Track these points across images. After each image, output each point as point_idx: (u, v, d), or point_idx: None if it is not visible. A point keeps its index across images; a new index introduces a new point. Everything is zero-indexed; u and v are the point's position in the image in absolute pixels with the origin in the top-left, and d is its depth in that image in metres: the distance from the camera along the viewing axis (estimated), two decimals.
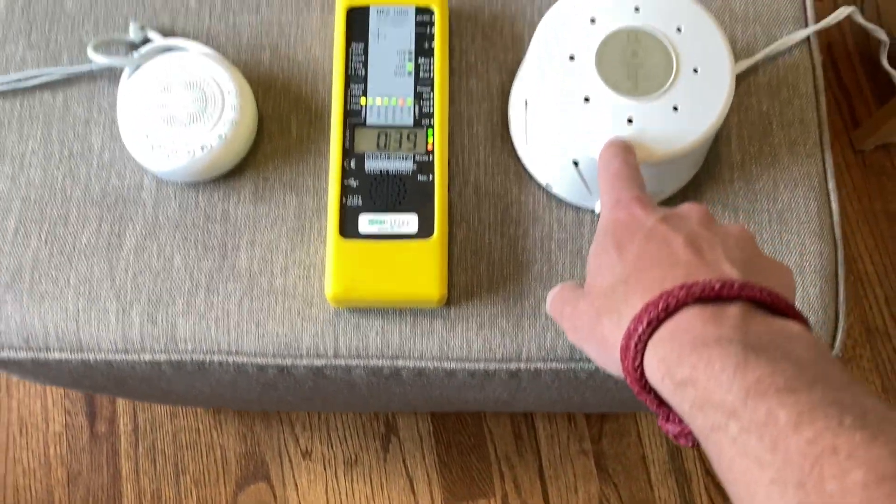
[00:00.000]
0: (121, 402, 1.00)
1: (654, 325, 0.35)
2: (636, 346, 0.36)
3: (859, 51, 1.13)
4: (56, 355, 0.53)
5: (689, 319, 0.35)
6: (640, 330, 0.35)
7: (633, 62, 0.49)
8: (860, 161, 1.10)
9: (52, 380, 0.59)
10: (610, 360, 0.39)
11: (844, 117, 1.12)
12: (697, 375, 0.33)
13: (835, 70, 1.12)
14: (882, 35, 0.68)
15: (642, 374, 0.36)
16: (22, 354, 0.53)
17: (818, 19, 0.61)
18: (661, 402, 0.37)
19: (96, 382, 0.59)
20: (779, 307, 0.36)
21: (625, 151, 0.46)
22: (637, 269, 0.38)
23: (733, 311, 0.35)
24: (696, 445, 0.35)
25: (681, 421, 0.36)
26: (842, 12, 0.62)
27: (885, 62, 0.70)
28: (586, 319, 0.41)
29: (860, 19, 0.64)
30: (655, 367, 0.35)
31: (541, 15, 0.58)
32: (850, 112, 1.12)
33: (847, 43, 1.13)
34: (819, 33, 0.61)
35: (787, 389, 0.30)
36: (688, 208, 0.42)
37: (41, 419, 1.00)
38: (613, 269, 0.39)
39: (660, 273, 0.37)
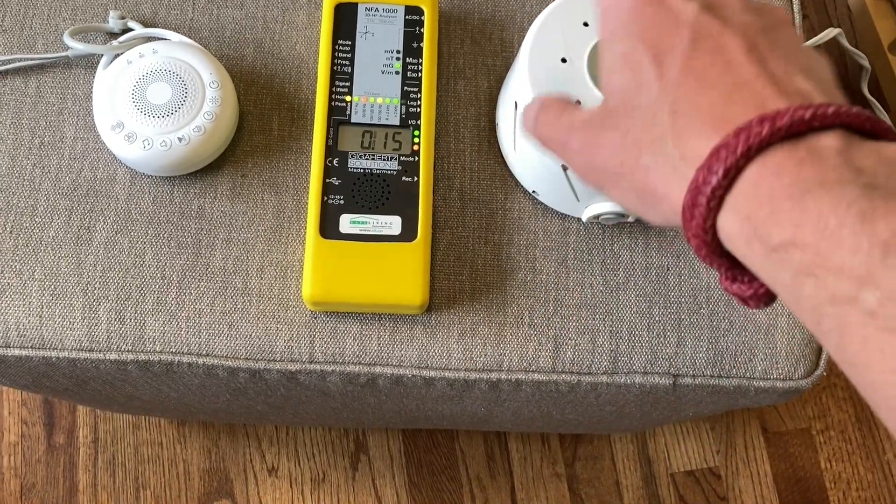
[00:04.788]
0: (81, 412, 0.97)
1: (733, 174, 0.27)
2: (709, 202, 0.27)
3: (837, 76, 1.14)
4: (16, 352, 0.50)
5: (777, 163, 0.27)
6: (714, 182, 0.27)
7: None
8: None
9: (10, 379, 0.56)
10: (656, 213, 0.31)
11: None
12: (804, 235, 0.25)
13: None
14: (865, 62, 0.68)
15: (715, 236, 0.28)
16: None
17: (805, 36, 0.61)
18: (732, 265, 0.29)
19: (57, 384, 0.56)
20: (877, 130, 0.28)
21: None
22: (687, 89, 0.29)
23: (830, 143, 0.27)
24: (768, 305, 0.29)
25: (752, 280, 0.29)
26: (828, 33, 0.62)
27: (865, 90, 0.70)
28: (616, 158, 0.31)
29: (845, 43, 0.65)
30: (738, 229, 0.27)
31: (530, 22, 0.58)
32: None
33: None
34: None
35: None
36: None
37: None
38: (649, 88, 0.30)
39: (720, 96, 0.29)
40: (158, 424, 0.97)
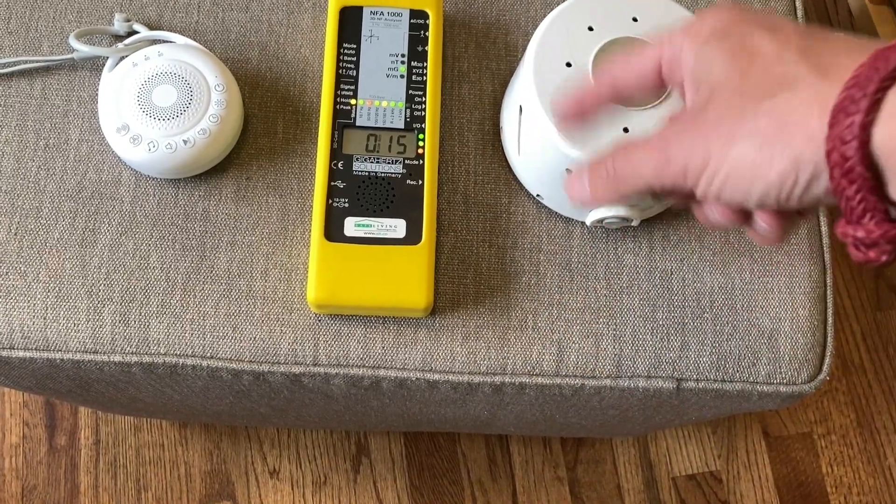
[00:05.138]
0: (83, 414, 0.97)
1: (889, 82, 0.27)
2: (866, 100, 0.27)
3: None
4: (20, 353, 0.50)
5: None
6: (874, 85, 0.27)
7: None
8: None
9: (13, 381, 0.56)
10: (786, 152, 0.30)
11: None
12: None
13: None
14: None
15: (863, 145, 0.28)
16: None
17: None
18: (866, 195, 0.29)
19: (60, 385, 0.57)
20: None
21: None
22: (813, 41, 0.31)
23: None
24: (890, 262, 0.29)
25: (884, 221, 0.29)
26: None
27: None
28: (723, 123, 0.32)
29: None
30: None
31: (535, 26, 0.58)
32: None
33: None
34: None
35: None
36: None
37: None
38: (768, 46, 0.32)
39: (854, 43, 0.30)
40: (160, 426, 0.97)
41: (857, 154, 0.28)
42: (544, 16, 0.58)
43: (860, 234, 0.29)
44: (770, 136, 0.30)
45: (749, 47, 0.32)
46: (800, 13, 0.61)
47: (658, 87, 0.38)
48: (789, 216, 0.37)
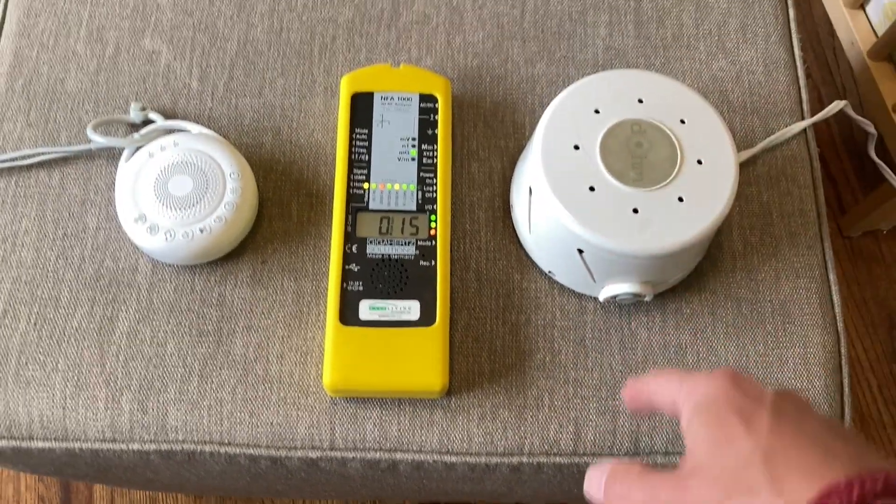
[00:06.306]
0: (98, 489, 0.96)
1: None
2: None
3: (843, 139, 1.15)
4: (40, 444, 0.51)
5: None
6: None
7: (637, 152, 0.49)
8: (848, 247, 1.11)
9: (32, 468, 0.56)
10: None
11: (831, 203, 1.13)
12: None
13: (821, 158, 1.14)
14: (871, 128, 0.69)
15: None
16: (2, 443, 0.51)
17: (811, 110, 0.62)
18: None
19: (79, 471, 0.57)
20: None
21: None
22: (779, 443, 0.33)
23: None
24: None
25: None
26: (836, 106, 0.63)
27: (872, 154, 0.71)
28: (704, 501, 0.34)
29: (851, 113, 0.66)
30: None
31: (542, 104, 0.59)
32: (837, 198, 1.13)
33: (832, 131, 1.16)
34: None
35: None
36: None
37: (13, 503, 0.96)
38: (739, 441, 0.34)
39: (814, 454, 0.32)
40: (175, 498, 0.96)
41: None
42: (550, 94, 0.59)
43: None
44: None
45: (727, 435, 0.34)
46: (800, 72, 0.62)
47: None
48: None
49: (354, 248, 0.52)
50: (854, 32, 0.99)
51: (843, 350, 0.55)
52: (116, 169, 0.55)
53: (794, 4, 0.66)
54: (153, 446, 0.50)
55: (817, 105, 0.60)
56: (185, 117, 0.57)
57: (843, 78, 1.16)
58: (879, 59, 0.96)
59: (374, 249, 0.52)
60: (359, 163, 0.54)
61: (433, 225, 0.53)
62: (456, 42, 0.61)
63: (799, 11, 0.65)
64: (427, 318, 0.51)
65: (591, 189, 0.48)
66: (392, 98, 0.55)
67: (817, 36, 1.18)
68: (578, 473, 0.53)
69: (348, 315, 0.50)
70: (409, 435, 0.51)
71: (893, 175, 0.70)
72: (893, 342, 1.07)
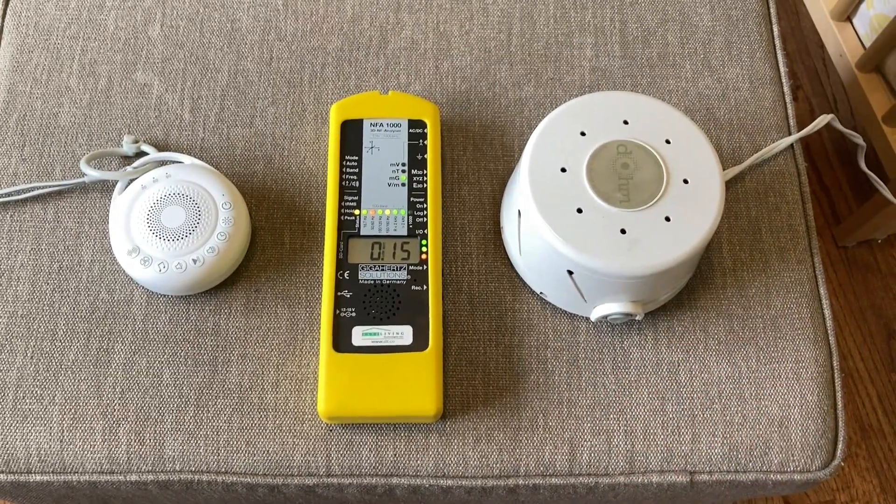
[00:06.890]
0: None
1: None
2: None
3: (836, 149, 1.15)
4: (38, 478, 0.51)
5: None
6: None
7: (624, 173, 0.50)
8: (844, 257, 1.12)
9: (30, 501, 0.56)
10: None
11: (825, 213, 1.14)
12: None
13: (814, 168, 1.15)
14: (860, 140, 0.69)
15: None
16: (1, 477, 0.51)
17: (798, 124, 0.62)
18: None
19: (78, 503, 0.57)
20: None
21: None
22: None
23: None
24: None
25: None
26: (822, 120, 0.63)
27: (863, 166, 0.71)
28: None
29: (839, 126, 0.66)
30: None
31: (529, 126, 0.60)
32: (831, 208, 1.14)
33: (824, 142, 1.16)
34: None
35: None
36: None
37: None
38: None
39: None
40: None
41: None
42: (538, 116, 0.60)
43: None
44: None
45: None
46: (786, 87, 0.63)
47: None
48: None
49: (346, 275, 0.52)
50: (842, 44, 1.00)
51: (835, 364, 0.55)
52: (110, 201, 0.56)
53: (778, 21, 0.67)
54: (151, 477, 0.51)
55: (808, 116, 0.61)
56: (177, 148, 0.58)
57: (833, 89, 1.16)
58: (867, 70, 0.97)
59: (366, 275, 0.52)
60: (349, 189, 0.54)
61: (424, 249, 0.53)
62: (444, 67, 0.62)
63: (787, 24, 0.66)
64: (420, 342, 0.51)
65: (579, 211, 0.49)
66: (381, 124, 0.56)
67: (807, 48, 1.19)
68: (574, 494, 0.53)
69: (342, 342, 0.51)
70: (404, 460, 0.51)
71: (885, 186, 0.71)
72: (891, 351, 1.07)
